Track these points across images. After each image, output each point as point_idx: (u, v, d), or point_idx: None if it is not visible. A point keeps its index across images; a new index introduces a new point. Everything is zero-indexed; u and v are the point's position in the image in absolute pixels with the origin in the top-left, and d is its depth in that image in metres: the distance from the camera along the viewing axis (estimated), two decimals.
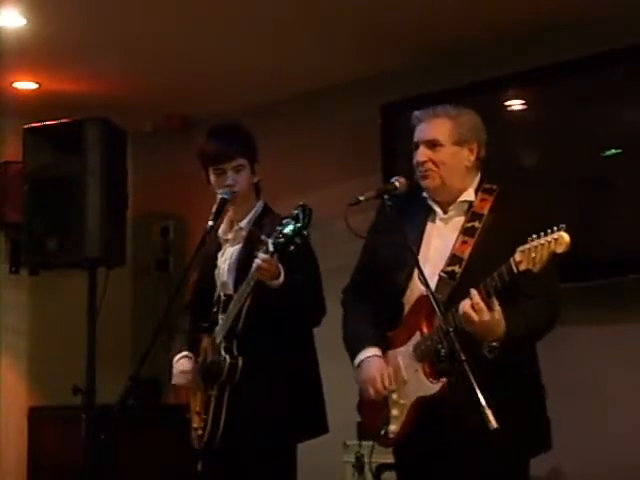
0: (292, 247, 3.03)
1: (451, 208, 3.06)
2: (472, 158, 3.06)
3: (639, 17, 4.33)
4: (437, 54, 4.92)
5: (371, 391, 3.03)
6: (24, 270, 5.60)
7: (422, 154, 3.05)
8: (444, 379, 2.83)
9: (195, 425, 3.44)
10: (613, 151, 4.43)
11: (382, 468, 4.50)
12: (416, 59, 5.02)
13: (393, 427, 2.98)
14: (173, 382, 3.52)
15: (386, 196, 3.02)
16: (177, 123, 6.10)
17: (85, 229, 4.62)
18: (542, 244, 2.60)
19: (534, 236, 2.63)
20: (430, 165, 3.04)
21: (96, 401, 4.63)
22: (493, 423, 2.55)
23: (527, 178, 4.53)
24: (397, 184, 3.04)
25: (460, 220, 3.03)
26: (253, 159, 3.49)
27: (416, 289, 2.97)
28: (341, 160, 5.45)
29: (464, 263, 2.90)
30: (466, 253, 2.92)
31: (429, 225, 3.08)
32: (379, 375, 3.00)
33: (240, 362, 3.31)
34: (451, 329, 2.71)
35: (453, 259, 2.93)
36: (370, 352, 3.05)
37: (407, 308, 3.01)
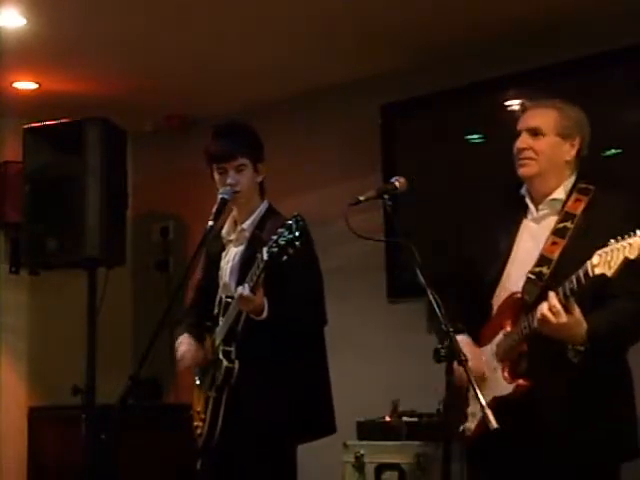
0: (285, 257, 3.03)
1: (541, 206, 3.03)
2: (573, 153, 3.02)
3: (639, 17, 4.33)
4: (437, 54, 4.92)
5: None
6: (24, 270, 5.60)
7: (523, 141, 3.03)
8: (521, 381, 2.83)
9: (195, 424, 3.45)
10: (613, 151, 4.43)
11: (382, 468, 4.51)
12: (416, 59, 5.02)
13: (470, 425, 2.96)
14: (180, 367, 3.52)
15: (386, 196, 3.02)
16: (177, 123, 6.10)
17: (85, 229, 4.61)
18: (617, 248, 2.56)
19: (612, 240, 2.58)
20: (530, 153, 3.01)
21: (96, 401, 4.62)
22: (493, 423, 2.55)
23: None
24: (397, 184, 3.04)
25: (552, 220, 2.98)
26: (256, 159, 3.49)
27: (505, 289, 2.97)
28: (341, 160, 5.46)
29: (553, 264, 2.87)
30: (555, 254, 2.88)
31: (523, 223, 3.06)
32: (470, 351, 2.87)
33: (237, 366, 3.31)
34: (451, 329, 2.71)
35: (542, 260, 2.90)
36: (461, 336, 2.96)
37: (495, 308, 3.00)
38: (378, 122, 5.19)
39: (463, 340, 2.94)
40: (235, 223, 3.55)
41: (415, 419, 4.55)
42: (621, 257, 2.54)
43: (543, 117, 3.03)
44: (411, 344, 4.82)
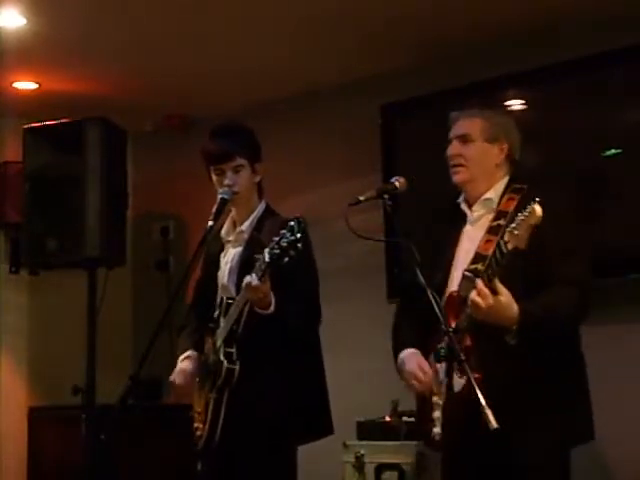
0: (286, 259, 3.03)
1: (475, 207, 3.13)
2: (502, 157, 3.14)
3: (639, 17, 4.33)
4: (437, 54, 4.92)
5: (415, 383, 3.04)
6: (24, 270, 5.59)
7: (453, 147, 3.17)
8: (475, 374, 2.84)
9: (195, 425, 3.45)
10: (613, 151, 4.43)
11: (382, 468, 4.51)
12: (416, 59, 5.02)
13: (437, 429, 2.99)
14: (171, 379, 3.52)
15: (386, 196, 3.03)
16: (177, 123, 6.10)
17: (85, 229, 4.61)
18: (522, 220, 2.68)
19: (518, 214, 2.70)
20: (460, 159, 3.14)
21: (96, 401, 4.62)
22: (493, 423, 2.56)
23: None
24: (397, 184, 3.05)
25: (487, 219, 3.07)
26: (254, 159, 3.49)
27: (449, 291, 3.04)
28: (341, 160, 5.45)
29: (487, 261, 2.91)
30: (489, 251, 2.91)
31: (464, 229, 3.15)
32: (417, 367, 3.02)
33: (237, 367, 3.31)
34: (451, 330, 2.71)
35: (477, 257, 2.95)
36: (408, 351, 3.09)
37: None
38: (378, 122, 5.19)
39: (412, 354, 3.06)
40: (234, 224, 3.55)
41: (415, 419, 4.54)
42: (526, 227, 2.67)
43: (470, 124, 3.17)
44: None
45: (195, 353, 3.52)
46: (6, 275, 5.79)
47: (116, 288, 4.86)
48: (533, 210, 2.66)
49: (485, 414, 2.57)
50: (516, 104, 4.75)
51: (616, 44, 4.34)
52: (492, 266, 2.76)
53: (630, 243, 4.33)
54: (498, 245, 2.74)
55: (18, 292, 5.87)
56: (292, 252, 3.01)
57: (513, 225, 2.70)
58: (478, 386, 2.74)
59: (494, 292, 2.76)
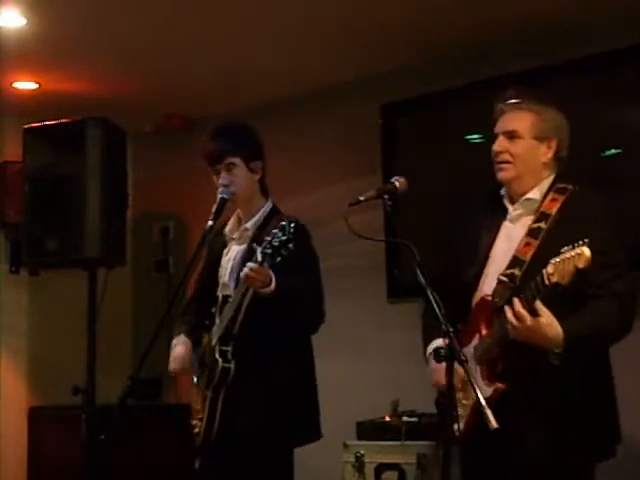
0: (279, 258, 3.06)
1: (516, 206, 3.06)
2: (549, 155, 3.05)
3: (639, 17, 4.33)
4: (437, 54, 4.92)
5: (436, 379, 3.01)
6: (24, 270, 5.59)
7: (499, 144, 3.06)
8: (499, 384, 2.84)
9: (193, 422, 3.45)
10: (613, 151, 4.43)
11: (382, 468, 4.51)
12: (416, 59, 5.02)
13: (457, 426, 2.94)
14: (169, 369, 3.53)
15: (386, 196, 3.02)
16: (177, 123, 6.10)
17: (85, 229, 4.60)
18: (568, 258, 2.59)
19: (565, 248, 2.61)
20: (507, 156, 3.04)
21: (96, 401, 4.62)
22: (493, 423, 2.55)
23: None
24: (397, 184, 3.04)
25: (528, 220, 3.01)
26: (248, 157, 3.48)
27: (482, 291, 3.00)
28: (341, 160, 5.45)
29: (525, 266, 2.88)
30: (528, 255, 2.90)
31: (503, 224, 3.08)
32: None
33: (233, 366, 3.31)
34: (451, 330, 2.71)
35: (514, 261, 2.92)
36: (436, 342, 3.02)
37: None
38: (378, 122, 5.19)
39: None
40: (239, 221, 3.55)
41: (415, 419, 4.55)
42: (572, 267, 2.58)
43: (520, 120, 3.06)
44: (411, 344, 4.80)
45: (187, 339, 3.53)
46: (6, 275, 5.79)
47: (116, 288, 4.85)
48: (582, 253, 2.56)
49: (485, 414, 2.56)
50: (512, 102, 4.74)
51: (616, 44, 4.34)
52: (533, 292, 2.70)
53: (630, 243, 4.32)
54: (541, 276, 2.66)
55: (18, 292, 5.88)
56: (284, 252, 3.05)
57: (558, 259, 2.61)
58: (500, 396, 2.75)
59: (534, 313, 2.71)
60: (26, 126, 4.86)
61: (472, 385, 2.62)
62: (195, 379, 3.52)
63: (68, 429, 5.26)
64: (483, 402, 2.58)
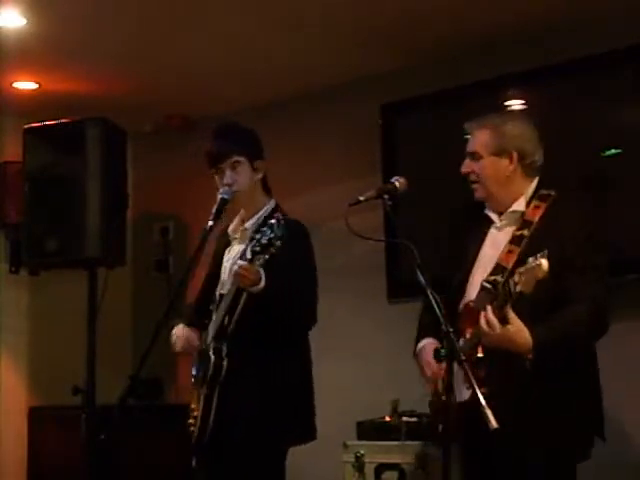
0: (267, 256, 3.10)
1: (502, 218, 3.12)
2: (511, 167, 3.09)
3: (639, 17, 4.33)
4: (437, 54, 4.92)
5: (428, 372, 3.07)
6: (24, 270, 5.59)
7: (465, 165, 3.17)
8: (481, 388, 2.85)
9: (189, 421, 3.45)
10: (613, 151, 4.43)
11: (382, 468, 4.51)
12: (416, 59, 5.02)
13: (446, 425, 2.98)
14: (176, 350, 3.55)
15: (386, 196, 3.03)
16: (177, 123, 6.10)
17: (85, 229, 4.61)
18: (529, 268, 2.65)
19: (530, 259, 2.66)
20: (474, 176, 3.14)
21: (96, 401, 4.63)
22: (493, 423, 2.55)
23: None
24: (397, 184, 3.05)
25: (514, 227, 3.05)
26: (252, 156, 3.49)
27: (468, 295, 3.04)
28: (341, 160, 5.46)
29: (507, 273, 2.90)
30: (510, 262, 2.93)
31: (490, 230, 3.14)
32: (430, 357, 3.02)
33: (225, 363, 3.32)
34: (451, 330, 2.71)
35: (497, 268, 2.95)
36: (426, 341, 3.12)
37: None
38: (378, 122, 5.19)
39: (430, 344, 3.08)
40: (242, 221, 3.56)
41: (415, 419, 4.55)
42: (533, 277, 2.63)
43: (479, 140, 3.15)
44: (411, 344, 4.81)
45: (186, 326, 3.56)
46: (6, 275, 5.79)
47: (116, 288, 4.86)
48: (541, 264, 2.61)
49: (485, 414, 2.56)
50: (516, 104, 4.75)
51: (616, 44, 4.34)
52: (501, 300, 2.75)
53: (630, 243, 4.33)
54: (509, 285, 2.72)
55: (18, 292, 5.87)
56: (272, 249, 3.09)
57: (522, 270, 2.67)
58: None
59: (504, 320, 2.75)
60: (26, 126, 4.87)
61: (472, 385, 2.62)
62: (192, 377, 3.52)
63: (68, 429, 5.26)
64: (483, 402, 2.58)
